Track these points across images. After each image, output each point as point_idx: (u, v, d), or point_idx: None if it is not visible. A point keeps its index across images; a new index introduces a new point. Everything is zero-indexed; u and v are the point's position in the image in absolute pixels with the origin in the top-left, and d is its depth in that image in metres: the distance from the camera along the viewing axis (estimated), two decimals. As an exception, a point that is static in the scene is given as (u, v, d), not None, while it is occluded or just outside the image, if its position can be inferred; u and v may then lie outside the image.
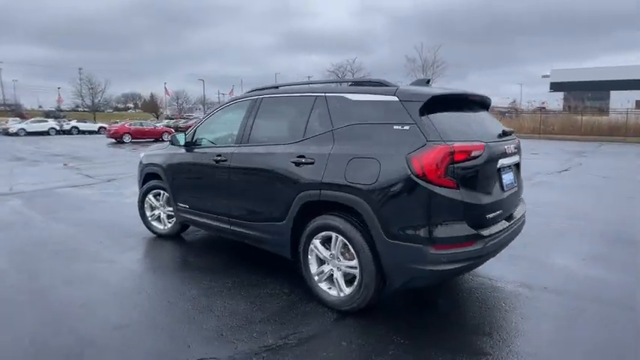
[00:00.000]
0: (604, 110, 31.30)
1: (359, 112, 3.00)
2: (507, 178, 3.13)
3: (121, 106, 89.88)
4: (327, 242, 3.12)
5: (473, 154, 2.69)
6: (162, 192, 4.98)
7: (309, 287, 3.26)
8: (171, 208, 4.91)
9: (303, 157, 3.15)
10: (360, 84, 3.25)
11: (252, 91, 4.16)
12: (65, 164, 13.45)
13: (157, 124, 31.07)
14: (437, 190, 2.59)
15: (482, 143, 2.80)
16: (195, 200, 4.32)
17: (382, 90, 2.98)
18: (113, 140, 25.24)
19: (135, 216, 6.13)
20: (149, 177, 5.11)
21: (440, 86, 3.76)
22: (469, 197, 2.68)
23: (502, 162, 3.01)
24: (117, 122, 34.36)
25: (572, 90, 38.99)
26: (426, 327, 2.90)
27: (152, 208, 5.15)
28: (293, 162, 3.20)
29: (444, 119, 2.81)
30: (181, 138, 4.42)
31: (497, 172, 2.96)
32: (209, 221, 4.15)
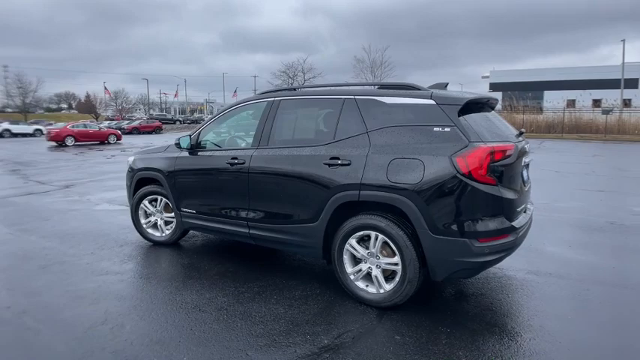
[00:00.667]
0: (541, 109, 34.13)
1: (394, 114, 3.09)
2: (525, 174, 3.39)
3: (53, 106, 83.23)
4: (363, 241, 3.19)
5: (507, 153, 2.90)
6: (159, 197, 4.76)
7: (343, 286, 3.30)
8: (170, 214, 4.72)
9: (337, 158, 3.19)
10: (389, 87, 3.35)
11: (264, 93, 4.12)
12: (13, 170, 12.30)
13: (101, 126, 29.27)
14: (481, 187, 2.76)
15: (513, 143, 3.01)
16: (204, 205, 4.19)
17: (417, 93, 3.11)
18: (54, 143, 23.41)
19: (118, 223, 5.84)
20: (143, 182, 4.87)
21: None
22: (505, 193, 2.88)
23: (524, 160, 3.26)
24: (51, 124, 32.00)
25: (510, 90, 41.97)
26: (465, 316, 3.07)
27: (147, 215, 4.90)
28: (326, 164, 3.23)
29: (476, 121, 3.00)
30: (187, 141, 4.27)
31: (520, 169, 3.20)
32: (222, 226, 4.05)
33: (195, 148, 4.28)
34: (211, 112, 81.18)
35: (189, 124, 53.80)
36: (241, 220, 3.86)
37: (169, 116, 61.06)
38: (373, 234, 3.08)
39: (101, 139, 24.88)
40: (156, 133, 38.04)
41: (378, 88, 3.38)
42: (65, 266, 4.20)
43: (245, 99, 4.25)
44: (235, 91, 73.36)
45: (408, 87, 3.27)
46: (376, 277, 3.13)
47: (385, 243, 3.05)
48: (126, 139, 27.62)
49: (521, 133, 3.50)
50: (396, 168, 2.93)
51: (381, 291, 3.11)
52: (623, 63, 34.95)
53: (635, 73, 39.77)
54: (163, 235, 4.83)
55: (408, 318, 3.00)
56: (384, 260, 3.09)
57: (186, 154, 4.36)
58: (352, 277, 3.24)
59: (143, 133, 36.87)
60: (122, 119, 46.10)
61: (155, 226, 4.89)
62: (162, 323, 2.96)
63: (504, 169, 2.90)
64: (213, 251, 4.71)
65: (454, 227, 2.79)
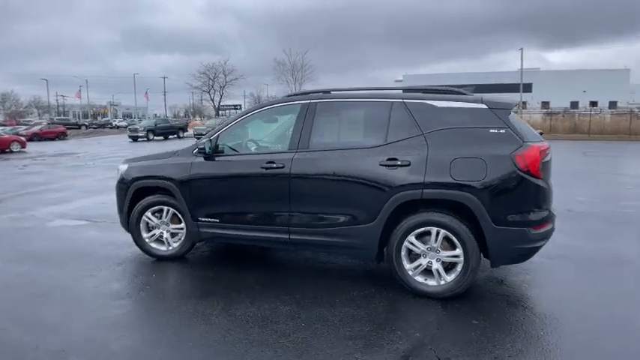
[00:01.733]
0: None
1: (447, 117, 3.32)
2: None
3: None
4: (421, 237, 3.35)
5: (547, 151, 3.31)
6: (165, 208, 4.41)
7: (402, 282, 3.41)
8: (177, 226, 4.40)
9: (395, 159, 3.31)
10: (434, 92, 3.57)
11: (291, 95, 4.07)
12: None
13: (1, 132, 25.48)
14: (536, 181, 3.12)
15: (547, 142, 3.42)
16: (231, 213, 3.99)
17: (467, 98, 3.37)
18: (-60, 154, 19.88)
19: (96, 240, 5.34)
20: (142, 193, 4.47)
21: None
22: (549, 185, 3.29)
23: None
24: None
25: (422, 94, 45.45)
26: (513, 297, 3.40)
27: (149, 229, 4.51)
28: (383, 165, 3.33)
29: (518, 123, 3.35)
30: (209, 145, 4.02)
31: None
32: (254, 233, 3.90)
33: (214, 153, 4.07)
34: (116, 116, 74.19)
35: (95, 128, 49.12)
36: (280, 226, 3.77)
37: (73, 120, 55.03)
38: (434, 229, 3.26)
39: (2, 148, 21.67)
40: (60, 139, 33.98)
41: (423, 93, 3.57)
42: (70, 292, 3.71)
43: (269, 102, 4.15)
44: (146, 93, 69.14)
45: (454, 92, 3.51)
46: (437, 270, 3.31)
47: (445, 237, 3.25)
48: (30, 147, 24.37)
49: (540, 134, 3.96)
50: (459, 167, 3.15)
51: (442, 282, 3.30)
52: (522, 69, 40.08)
53: (529, 79, 45.80)
54: (170, 248, 4.48)
55: (469, 305, 3.24)
56: (445, 253, 3.29)
57: (201, 159, 4.11)
58: (410, 272, 3.38)
59: (45, 140, 32.74)
60: (17, 124, 40.44)
61: (159, 239, 4.52)
62: (243, 341, 2.78)
63: (546, 165, 3.29)
64: (226, 260, 4.52)
65: (515, 218, 3.10)
